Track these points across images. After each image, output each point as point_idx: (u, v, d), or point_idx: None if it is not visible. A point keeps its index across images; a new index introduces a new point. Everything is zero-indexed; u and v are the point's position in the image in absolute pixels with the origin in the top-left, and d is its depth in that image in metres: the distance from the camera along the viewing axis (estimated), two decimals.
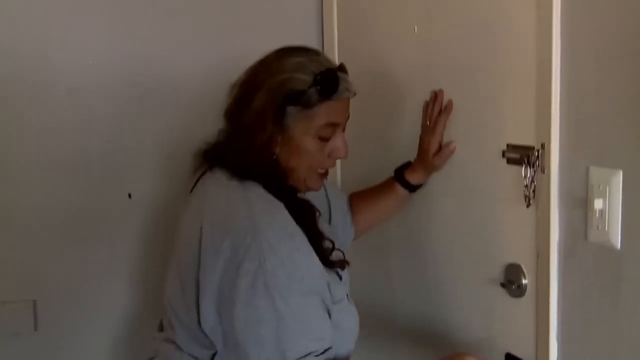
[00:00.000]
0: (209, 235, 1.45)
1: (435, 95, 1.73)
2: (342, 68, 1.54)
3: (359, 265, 1.78)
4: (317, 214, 1.58)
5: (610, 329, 1.31)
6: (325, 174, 1.60)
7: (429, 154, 1.73)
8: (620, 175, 1.27)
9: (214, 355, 1.50)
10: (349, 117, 1.56)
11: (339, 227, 1.82)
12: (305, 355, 1.42)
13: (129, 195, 2.14)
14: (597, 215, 1.31)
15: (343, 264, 1.57)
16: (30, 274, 2.08)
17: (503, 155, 1.54)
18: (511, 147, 1.52)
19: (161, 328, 1.65)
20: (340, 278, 1.57)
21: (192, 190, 1.61)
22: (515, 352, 1.58)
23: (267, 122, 1.47)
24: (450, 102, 1.70)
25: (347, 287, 1.60)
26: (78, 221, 2.10)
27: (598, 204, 1.30)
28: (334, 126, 1.52)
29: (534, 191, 1.45)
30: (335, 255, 1.55)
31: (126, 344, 2.18)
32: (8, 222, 2.03)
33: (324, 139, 1.51)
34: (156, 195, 2.17)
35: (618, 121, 1.27)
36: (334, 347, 1.49)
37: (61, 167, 2.06)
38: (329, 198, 1.82)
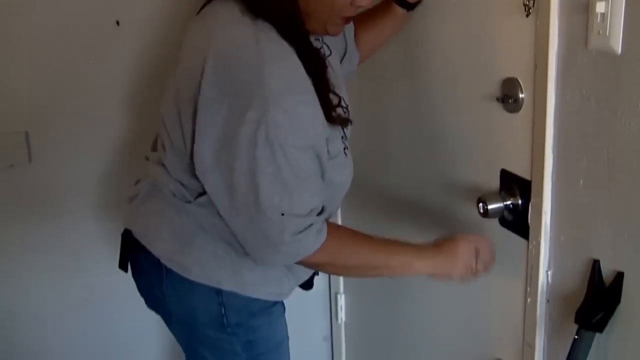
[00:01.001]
0: (210, 76, 1.37)
1: None
2: None
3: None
4: (327, 64, 1.51)
5: (608, 135, 1.29)
6: (347, 20, 1.49)
7: None
8: None
9: (200, 194, 1.49)
10: None
11: (346, 58, 1.77)
12: (309, 212, 1.42)
13: (117, 23, 2.07)
14: (598, 19, 1.26)
15: (346, 121, 1.52)
16: (21, 105, 2.05)
17: None
18: None
19: (154, 148, 1.63)
20: (344, 134, 1.54)
21: (199, 12, 1.52)
22: (511, 169, 1.57)
23: None
24: None
25: (347, 141, 1.57)
26: (67, 48, 2.05)
27: (600, 7, 1.25)
28: None
29: None
30: (340, 112, 1.50)
31: (120, 170, 2.19)
32: None
33: None
34: (146, 21, 2.11)
35: None
36: (325, 202, 1.49)
37: None
38: (345, 34, 1.74)
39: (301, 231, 1.42)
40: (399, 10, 1.76)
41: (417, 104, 1.86)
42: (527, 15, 1.41)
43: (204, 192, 1.47)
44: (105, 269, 2.00)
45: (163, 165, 1.56)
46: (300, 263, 1.49)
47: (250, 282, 1.58)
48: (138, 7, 2.08)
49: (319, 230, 1.45)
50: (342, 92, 1.58)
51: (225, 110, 1.37)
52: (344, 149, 1.55)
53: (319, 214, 1.46)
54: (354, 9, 1.45)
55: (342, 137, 1.55)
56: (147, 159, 1.66)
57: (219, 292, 1.57)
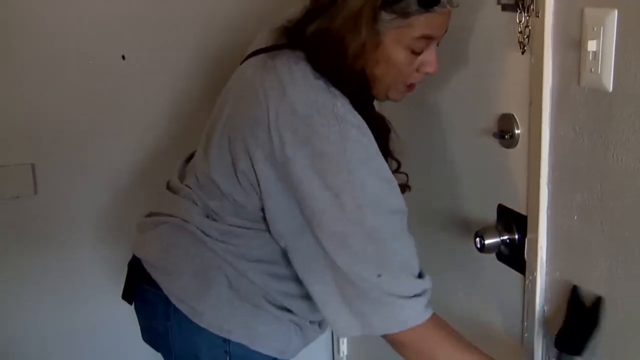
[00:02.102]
0: (289, 138, 1.34)
1: None
2: None
3: None
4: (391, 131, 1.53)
5: (601, 169, 1.31)
6: (411, 88, 1.50)
7: None
8: (615, 14, 1.23)
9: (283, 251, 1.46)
10: (446, 31, 1.44)
11: None
12: (407, 272, 1.39)
13: (123, 57, 2.11)
14: (590, 57, 1.28)
15: (404, 187, 1.53)
16: (28, 137, 2.09)
17: (498, 2, 1.50)
18: None
19: (180, 180, 1.62)
20: None
21: (245, 60, 1.52)
22: (508, 204, 1.59)
23: (362, 26, 1.34)
24: None
25: None
26: (73, 82, 2.09)
27: (592, 45, 1.27)
28: (428, 39, 1.40)
29: (528, 37, 1.42)
30: (399, 178, 1.49)
31: (125, 202, 2.21)
32: (1, 87, 2.03)
33: (416, 52, 1.40)
34: (151, 55, 2.15)
35: None
36: None
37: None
38: None
39: (407, 297, 1.37)
40: None
41: (414, 138, 1.88)
42: (522, 53, 1.44)
43: (241, 234, 1.47)
44: (109, 299, 2.00)
45: (194, 202, 1.53)
46: (390, 339, 1.42)
47: (262, 336, 1.52)
48: (144, 41, 2.13)
49: (427, 305, 1.40)
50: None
51: (294, 172, 1.35)
52: None
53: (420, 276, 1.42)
54: (420, 76, 1.47)
55: None
56: (173, 191, 1.62)
57: (226, 340, 1.51)
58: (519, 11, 1.42)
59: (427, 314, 1.39)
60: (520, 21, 1.42)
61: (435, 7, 1.35)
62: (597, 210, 1.33)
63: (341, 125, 1.34)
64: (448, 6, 1.37)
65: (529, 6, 1.40)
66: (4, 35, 2.00)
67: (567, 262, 1.44)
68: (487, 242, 1.59)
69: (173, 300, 1.52)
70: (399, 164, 1.54)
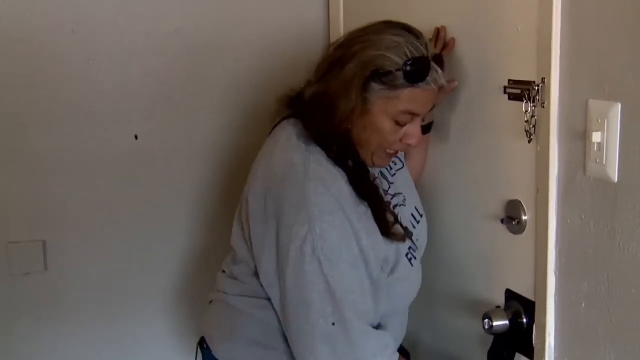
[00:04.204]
0: (259, 194, 1.52)
1: (438, 32, 1.72)
2: (438, 58, 1.52)
3: None
4: (382, 188, 1.60)
5: (607, 259, 1.32)
6: (393, 154, 1.60)
7: None
8: (618, 107, 1.26)
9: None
10: (433, 106, 1.57)
11: None
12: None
13: (135, 137, 2.15)
14: (595, 148, 1.31)
15: (403, 237, 1.59)
16: (39, 214, 2.11)
17: (504, 91, 1.53)
18: (512, 83, 1.52)
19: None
20: (412, 244, 1.64)
21: (270, 132, 1.65)
22: (515, 289, 1.60)
23: (353, 93, 1.47)
24: (452, 39, 1.69)
25: (417, 251, 1.67)
26: (84, 162, 2.12)
27: (596, 137, 1.30)
28: (412, 114, 1.51)
29: (534, 126, 1.45)
30: (396, 229, 1.57)
31: (134, 278, 2.23)
32: (16, 164, 2.06)
33: (400, 124, 1.51)
34: (162, 135, 2.19)
35: (617, 55, 1.27)
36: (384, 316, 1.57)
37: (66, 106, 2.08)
38: None
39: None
40: None
41: (426, 222, 1.90)
42: (528, 141, 1.47)
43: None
44: None
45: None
46: None
47: None
48: (154, 121, 2.17)
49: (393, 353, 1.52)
50: (412, 202, 1.70)
51: (272, 228, 1.48)
52: (410, 259, 1.62)
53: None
54: (402, 146, 1.56)
55: (410, 248, 1.63)
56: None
57: None
58: (524, 101, 1.45)
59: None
60: (526, 110, 1.45)
61: (420, 83, 1.47)
62: (605, 299, 1.34)
63: (306, 180, 1.46)
64: (432, 84, 1.48)
65: (535, 96, 1.43)
66: (17, 118, 2.05)
67: (575, 349, 1.44)
68: (495, 324, 1.59)
69: None
70: (395, 217, 1.59)
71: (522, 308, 1.57)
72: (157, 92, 2.16)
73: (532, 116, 1.45)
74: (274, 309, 1.54)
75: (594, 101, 1.32)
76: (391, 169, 1.71)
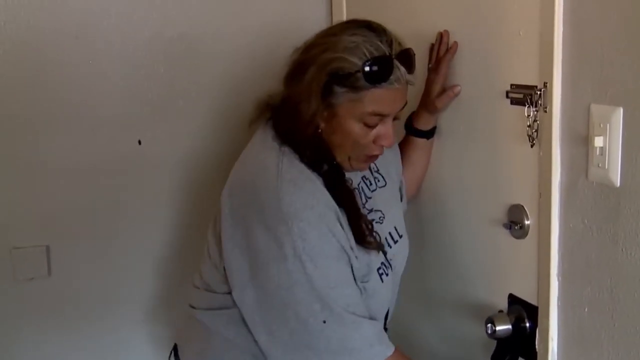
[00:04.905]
0: (227, 198, 1.51)
1: (441, 36, 1.71)
2: (405, 54, 1.46)
3: None
4: (358, 195, 1.58)
5: (610, 264, 1.32)
6: (372, 158, 1.56)
7: (432, 95, 1.72)
8: (620, 112, 1.26)
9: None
10: (405, 104, 1.51)
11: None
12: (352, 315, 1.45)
13: (139, 142, 2.16)
14: (597, 153, 1.31)
15: (378, 246, 1.57)
16: (44, 220, 2.11)
17: (507, 96, 1.54)
18: (515, 87, 1.52)
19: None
20: (385, 260, 1.62)
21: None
22: (518, 293, 1.60)
23: (313, 98, 1.44)
24: (454, 44, 1.69)
25: (389, 269, 1.63)
26: (88, 165, 2.13)
27: (598, 141, 1.30)
28: (380, 115, 1.47)
29: (536, 131, 1.45)
30: (371, 237, 1.54)
31: (139, 282, 2.24)
32: (19, 170, 2.07)
33: (369, 126, 1.48)
34: (166, 141, 2.20)
35: (619, 59, 1.26)
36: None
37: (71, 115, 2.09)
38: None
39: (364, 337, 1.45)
40: (418, 140, 1.81)
41: (428, 227, 1.90)
42: (531, 146, 1.47)
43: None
44: None
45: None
46: None
47: None
48: (159, 126, 2.18)
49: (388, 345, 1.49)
50: (391, 221, 1.67)
51: (243, 228, 1.45)
52: (381, 274, 1.59)
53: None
54: (378, 148, 1.52)
55: (383, 264, 1.60)
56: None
57: None
58: (527, 105, 1.45)
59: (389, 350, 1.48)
60: (528, 115, 1.45)
61: (383, 83, 1.42)
62: (608, 304, 1.34)
63: (279, 180, 1.43)
64: (396, 84, 1.43)
65: (537, 101, 1.43)
66: (21, 123, 2.05)
67: (578, 353, 1.44)
68: (497, 328, 1.59)
69: None
70: (369, 226, 1.55)
71: (525, 313, 1.56)
72: (161, 98, 2.16)
73: (535, 121, 1.45)
74: (245, 325, 1.50)
75: (596, 106, 1.31)
76: (371, 184, 1.67)
